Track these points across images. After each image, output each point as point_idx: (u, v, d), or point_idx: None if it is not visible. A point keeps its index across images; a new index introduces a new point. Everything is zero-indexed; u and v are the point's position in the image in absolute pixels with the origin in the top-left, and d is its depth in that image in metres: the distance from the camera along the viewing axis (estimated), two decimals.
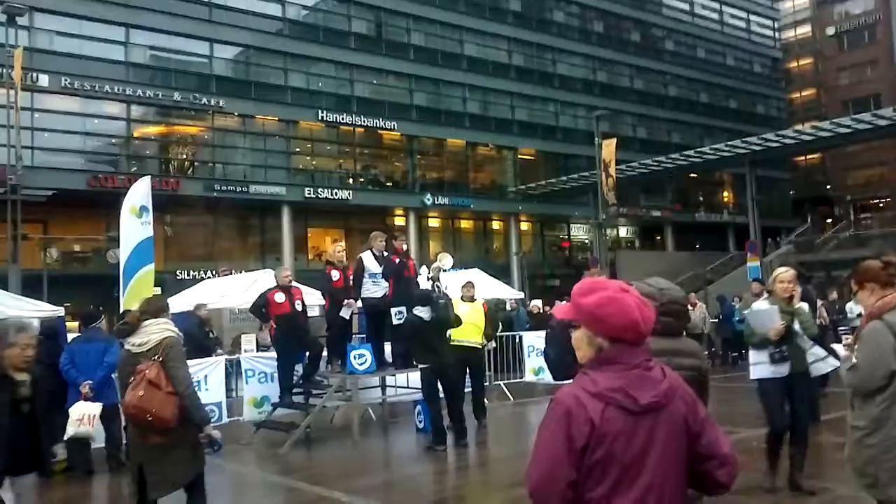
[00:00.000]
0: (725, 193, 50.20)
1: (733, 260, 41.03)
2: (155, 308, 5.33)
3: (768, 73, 54.54)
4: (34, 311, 13.98)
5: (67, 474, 8.72)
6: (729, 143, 34.01)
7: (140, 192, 13.05)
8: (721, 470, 2.26)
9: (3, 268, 20.92)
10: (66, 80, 27.32)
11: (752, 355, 6.39)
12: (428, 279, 10.81)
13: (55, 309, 14.60)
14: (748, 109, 51.29)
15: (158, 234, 30.11)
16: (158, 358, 4.93)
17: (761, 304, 6.34)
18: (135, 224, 12.76)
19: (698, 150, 35.62)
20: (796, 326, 6.16)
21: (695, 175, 44.28)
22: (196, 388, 9.78)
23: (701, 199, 48.77)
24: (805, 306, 6.51)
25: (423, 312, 9.05)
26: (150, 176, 13.11)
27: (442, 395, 9.26)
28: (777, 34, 56.20)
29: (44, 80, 26.79)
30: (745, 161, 34.31)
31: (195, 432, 5.04)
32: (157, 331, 5.08)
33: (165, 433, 4.83)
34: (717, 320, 19.19)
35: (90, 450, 8.59)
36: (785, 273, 6.34)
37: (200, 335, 13.18)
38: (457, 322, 9.61)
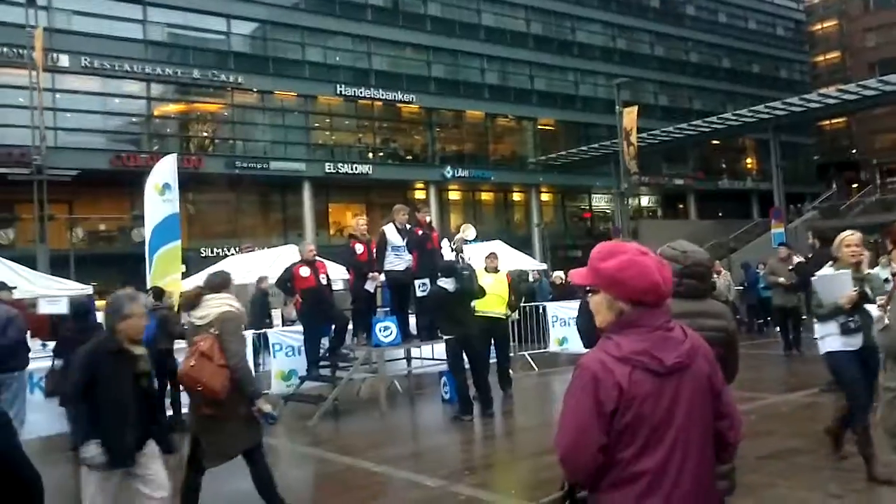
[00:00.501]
0: (749, 160, 49.58)
1: (757, 227, 40.65)
2: (215, 283, 5.47)
3: (791, 35, 53.52)
4: (63, 289, 14.26)
5: None
6: (752, 108, 33.53)
7: (164, 170, 13.16)
8: (731, 431, 2.31)
9: (32, 248, 21.23)
10: (85, 59, 27.45)
11: (819, 328, 5.78)
12: (452, 251, 10.81)
13: (83, 287, 14.87)
14: (771, 74, 50.45)
15: (182, 211, 30.55)
16: (214, 330, 5.04)
17: (827, 271, 5.75)
18: (158, 201, 12.88)
19: (721, 116, 35.17)
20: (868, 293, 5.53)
21: (717, 142, 43.75)
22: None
23: (724, 166, 48.21)
24: (878, 271, 6.10)
25: (447, 283, 9.06)
26: (175, 154, 13.19)
27: (467, 365, 9.30)
28: None
29: (64, 60, 26.94)
30: (768, 126, 33.85)
31: (248, 405, 5.11)
32: (216, 305, 5.20)
33: (216, 405, 4.94)
34: (741, 288, 19.05)
35: None
36: (851, 236, 5.66)
37: (265, 305, 14.20)
38: (481, 293, 9.62)
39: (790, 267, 12.56)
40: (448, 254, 10.82)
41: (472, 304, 9.61)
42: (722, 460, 2.34)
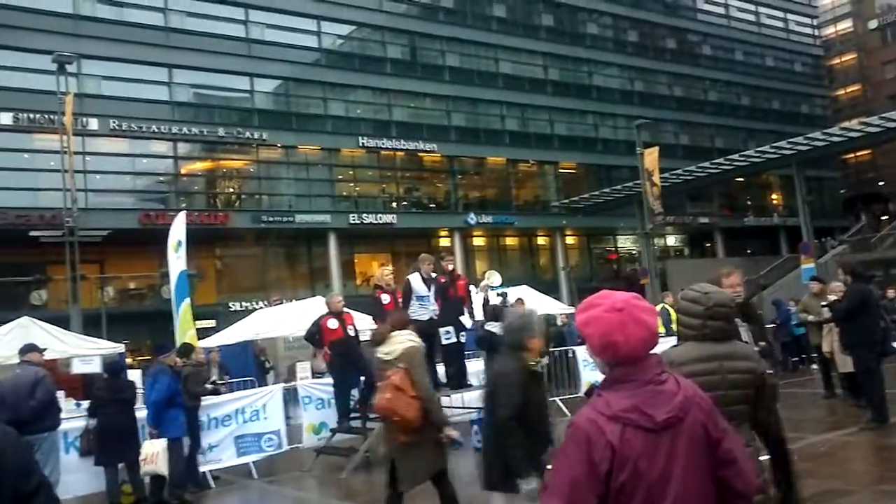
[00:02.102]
0: (774, 196, 49.25)
1: (787, 263, 40.16)
2: (400, 321, 5.97)
3: (810, 71, 53.57)
4: (95, 348, 14.43)
5: None
6: (774, 144, 33.42)
7: (178, 228, 13.58)
8: (738, 478, 2.17)
9: (64, 308, 21.52)
10: (114, 122, 28.17)
11: None
12: (477, 292, 10.80)
13: (115, 346, 15.03)
14: (792, 109, 50.39)
15: (210, 267, 31.13)
16: (403, 365, 5.45)
17: None
18: (174, 259, 13.30)
19: (743, 153, 35.09)
20: None
21: (741, 179, 43.53)
22: (256, 416, 9.96)
23: (749, 202, 47.93)
24: None
25: (494, 327, 8.99)
26: (184, 211, 13.52)
27: None
28: (816, 31, 55.24)
29: (93, 123, 27.66)
30: (792, 162, 33.66)
31: (436, 432, 5.51)
32: (401, 341, 5.67)
33: (410, 432, 5.36)
34: (773, 325, 18.75)
35: (164, 483, 8.74)
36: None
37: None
38: None
39: (823, 303, 12.30)
40: (476, 300, 10.81)
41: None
42: None
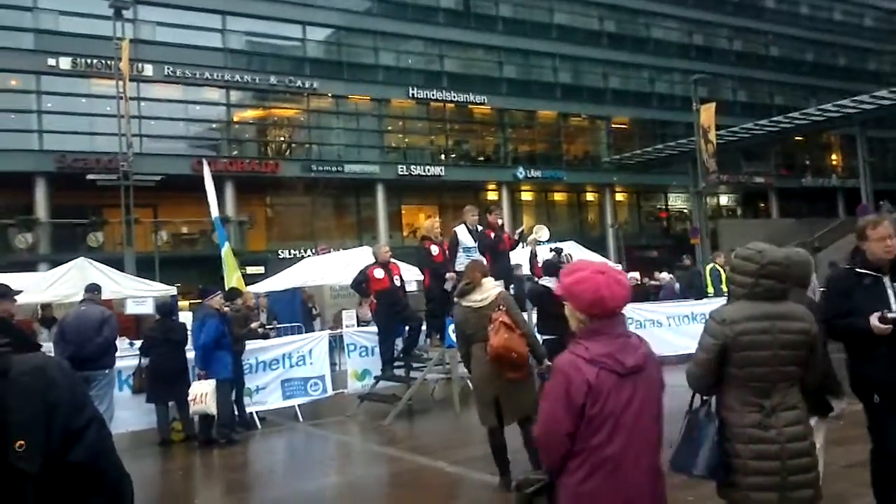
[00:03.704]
0: (834, 156, 47.68)
1: (843, 226, 38.91)
2: (484, 269, 6.35)
3: (881, 26, 51.21)
4: (148, 290, 14.80)
5: (186, 444, 9.23)
6: (837, 102, 32.22)
7: (207, 177, 14.08)
8: None
9: (119, 251, 22.11)
10: (168, 68, 28.45)
11: None
12: (524, 246, 10.73)
13: (167, 288, 15.40)
14: (858, 66, 48.37)
15: (261, 214, 31.57)
16: (502, 307, 5.78)
17: None
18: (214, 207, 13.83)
19: (803, 111, 33.93)
20: None
21: (800, 138, 42.23)
22: (302, 361, 10.19)
23: (807, 163, 46.50)
24: None
25: (549, 282, 8.81)
26: (205, 159, 13.82)
27: None
28: None
29: (148, 69, 27.97)
30: (855, 121, 32.47)
31: (533, 369, 5.93)
32: (491, 286, 6.08)
33: (520, 368, 5.71)
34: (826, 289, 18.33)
35: (213, 422, 9.01)
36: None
37: None
38: None
39: None
40: (521, 255, 10.75)
41: None
42: None
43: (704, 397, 3.27)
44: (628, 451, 2.49)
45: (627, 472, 2.50)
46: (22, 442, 1.44)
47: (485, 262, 9.93)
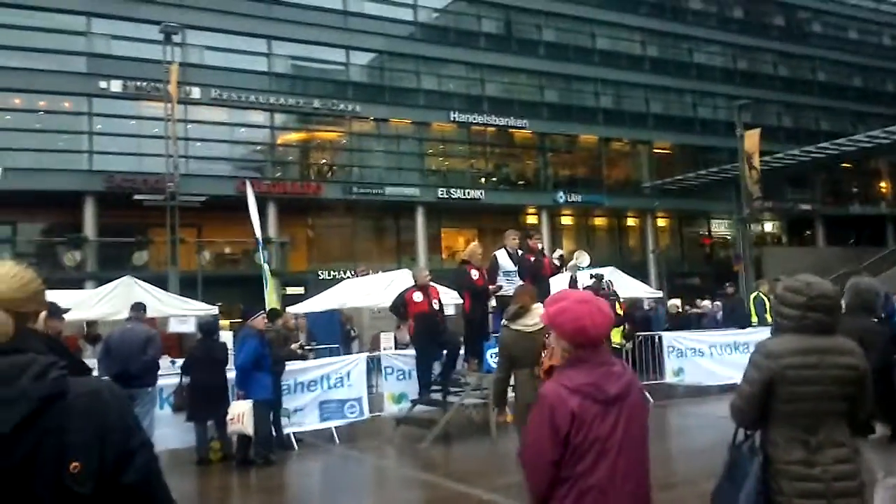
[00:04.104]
0: (883, 184, 46.65)
1: (892, 255, 38.12)
2: (534, 294, 6.41)
3: None
4: (191, 309, 15.00)
5: (224, 463, 9.28)
6: (886, 129, 31.60)
7: (251, 198, 14.26)
8: None
9: (164, 270, 22.47)
10: (215, 91, 29.06)
11: None
12: (564, 271, 10.67)
13: (209, 308, 15.59)
14: None
15: (302, 236, 31.90)
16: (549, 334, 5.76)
17: None
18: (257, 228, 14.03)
19: (851, 137, 33.33)
20: None
21: (847, 165, 41.46)
22: (340, 383, 10.20)
23: (855, 190, 45.56)
24: None
25: None
26: (248, 180, 14.08)
27: None
28: None
29: (195, 92, 28.59)
30: None
31: None
32: (541, 312, 5.86)
33: None
34: (875, 320, 17.85)
35: (251, 442, 9.05)
36: None
37: None
38: (618, 320, 9.42)
39: None
40: (563, 280, 10.68)
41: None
42: None
43: (748, 432, 3.20)
44: (614, 477, 2.56)
45: (613, 498, 2.56)
46: (77, 464, 1.47)
47: (522, 283, 9.94)
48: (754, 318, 14.55)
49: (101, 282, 17.73)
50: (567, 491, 2.56)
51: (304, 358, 10.86)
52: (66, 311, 6.83)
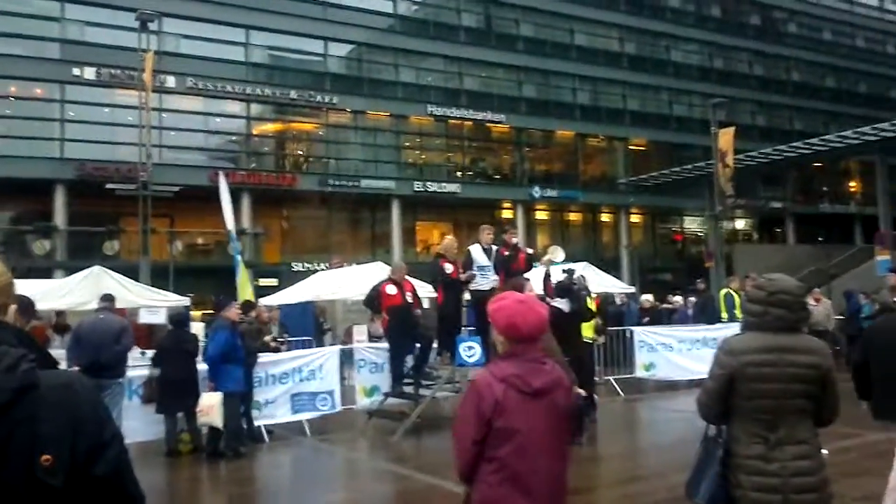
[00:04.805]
0: (852, 183, 47.36)
1: (860, 253, 38.66)
2: (519, 285, 6.27)
3: None
4: (162, 300, 14.86)
5: (193, 455, 9.23)
6: (857, 129, 32.05)
7: (224, 189, 14.17)
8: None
9: (135, 260, 22.25)
10: (190, 80, 28.75)
11: None
12: (537, 266, 10.72)
13: (181, 299, 15.45)
14: (879, 93, 48.17)
15: (276, 227, 31.72)
16: None
17: None
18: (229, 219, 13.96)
19: (823, 137, 33.77)
20: None
21: (819, 164, 42.02)
22: (312, 376, 10.18)
23: (825, 189, 46.21)
24: None
25: (562, 304, 8.76)
26: (222, 172, 14.02)
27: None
28: None
29: (171, 81, 28.26)
30: (874, 148, 32.26)
31: None
32: None
33: None
34: (842, 317, 18.14)
35: (221, 434, 9.02)
36: None
37: None
38: (591, 315, 9.44)
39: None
40: (537, 275, 10.70)
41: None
42: None
43: (721, 426, 3.26)
44: (531, 463, 2.77)
45: (529, 482, 2.76)
46: (48, 457, 1.46)
47: (496, 277, 9.98)
48: (724, 315, 14.73)
49: (70, 271, 17.49)
50: (489, 471, 2.78)
51: (276, 350, 10.82)
52: (40, 317, 6.77)
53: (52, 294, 13.22)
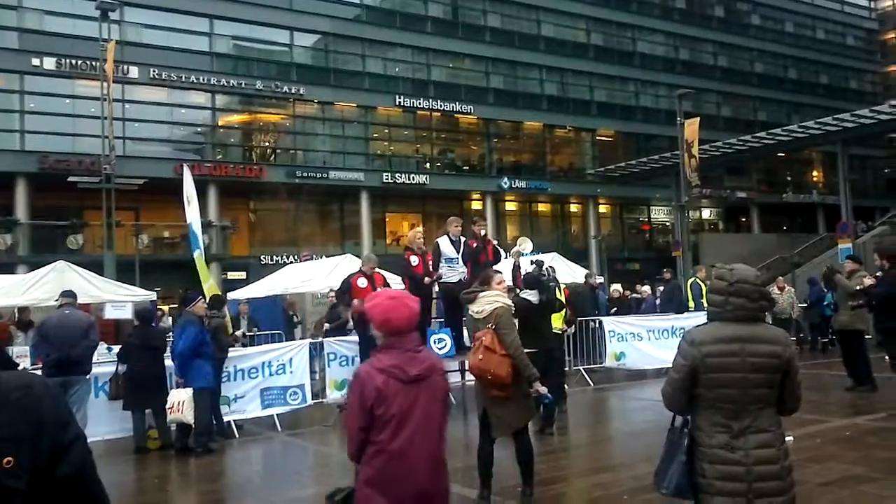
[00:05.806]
0: (815, 173, 48.25)
1: (823, 242, 39.42)
2: (487, 278, 6.22)
3: (862, 45, 51.97)
4: (128, 295, 14.66)
5: (162, 451, 9.14)
6: (819, 120, 32.60)
7: (188, 182, 13.98)
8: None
9: (99, 254, 21.92)
10: (154, 71, 28.33)
11: None
12: (506, 258, 10.76)
13: (147, 293, 15.26)
14: (840, 85, 49.08)
15: (244, 220, 31.42)
16: (492, 326, 5.81)
17: None
18: (189, 211, 13.73)
19: (786, 128, 34.29)
20: None
21: (782, 154, 42.68)
22: (282, 370, 10.07)
23: (789, 178, 47.02)
24: None
25: (531, 295, 8.73)
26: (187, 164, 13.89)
27: None
28: (872, 3, 53.47)
29: (133, 71, 27.83)
30: (836, 139, 32.84)
31: (526, 387, 5.89)
32: (489, 301, 5.96)
33: (502, 387, 5.74)
34: (805, 305, 18.48)
35: (190, 430, 8.94)
36: None
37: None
38: (561, 307, 9.48)
39: (857, 286, 11.76)
40: (506, 266, 10.74)
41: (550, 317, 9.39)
42: None
43: (686, 416, 3.30)
44: (411, 445, 3.02)
45: (410, 462, 3.02)
46: (10, 459, 1.44)
47: (465, 269, 10.00)
48: (691, 304, 14.92)
49: (33, 266, 17.20)
50: (373, 454, 3.04)
51: (244, 345, 10.75)
52: (2, 314, 6.65)
53: (14, 290, 12.99)
